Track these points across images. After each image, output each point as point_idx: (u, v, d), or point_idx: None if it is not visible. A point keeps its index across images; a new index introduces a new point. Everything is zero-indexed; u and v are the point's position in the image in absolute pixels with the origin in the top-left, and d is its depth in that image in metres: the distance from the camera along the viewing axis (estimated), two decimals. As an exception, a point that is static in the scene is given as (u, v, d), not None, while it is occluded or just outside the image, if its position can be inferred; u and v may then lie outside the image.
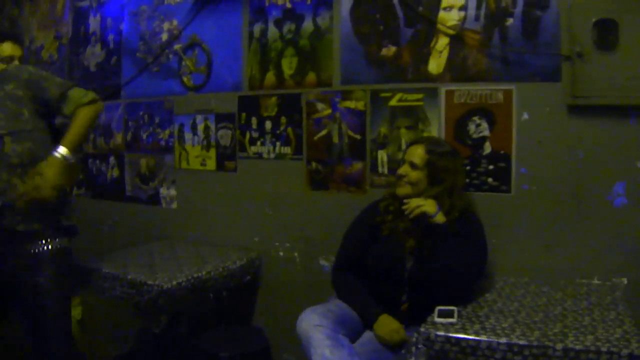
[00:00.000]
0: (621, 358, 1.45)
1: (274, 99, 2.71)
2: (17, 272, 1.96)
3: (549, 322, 1.68)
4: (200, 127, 2.95)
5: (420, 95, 2.37)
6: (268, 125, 2.73)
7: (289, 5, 2.66)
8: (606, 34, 2.03)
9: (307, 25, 2.61)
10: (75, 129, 1.97)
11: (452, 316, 1.71)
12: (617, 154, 2.09)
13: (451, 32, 2.30)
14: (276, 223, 2.78)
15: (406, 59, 2.39)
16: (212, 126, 2.91)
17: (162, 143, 3.10)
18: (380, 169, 2.47)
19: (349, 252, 2.19)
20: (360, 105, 2.48)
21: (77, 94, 2.03)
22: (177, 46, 3.04)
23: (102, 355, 2.89)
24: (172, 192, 3.10)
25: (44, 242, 1.98)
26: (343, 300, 2.12)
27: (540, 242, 2.22)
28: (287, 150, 2.69)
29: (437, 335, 1.62)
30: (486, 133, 2.27)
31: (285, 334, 2.67)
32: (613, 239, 2.12)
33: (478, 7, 2.25)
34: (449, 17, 2.30)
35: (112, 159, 3.35)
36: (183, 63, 3.01)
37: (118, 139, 3.30)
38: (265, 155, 2.76)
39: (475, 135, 2.28)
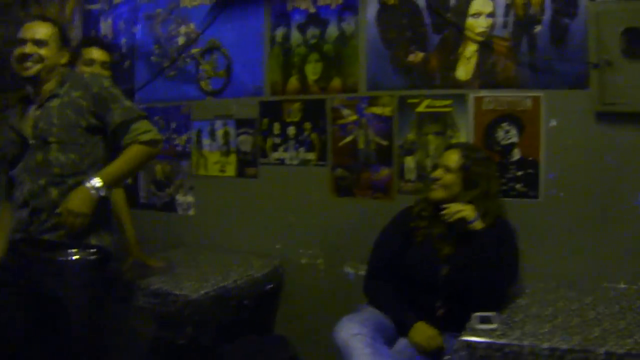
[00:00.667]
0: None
1: (297, 104, 2.83)
2: (41, 280, 2.03)
3: (587, 326, 1.81)
4: (220, 132, 3.06)
5: (448, 102, 2.50)
6: (291, 131, 2.85)
7: (312, 9, 2.78)
8: (634, 42, 2.17)
9: (332, 30, 2.73)
10: (120, 163, 2.05)
11: (492, 322, 1.83)
12: (644, 160, 2.23)
13: (479, 38, 2.43)
14: (299, 230, 2.89)
15: (434, 65, 2.53)
16: (232, 132, 3.03)
17: (179, 149, 3.22)
18: (407, 176, 2.60)
19: (382, 259, 2.31)
20: (387, 111, 2.61)
21: (140, 127, 2.07)
22: (194, 50, 3.16)
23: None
24: (189, 198, 3.22)
25: (69, 252, 2.03)
26: (376, 307, 2.22)
27: (568, 248, 2.35)
28: (311, 156, 2.81)
29: (479, 342, 1.74)
30: (515, 139, 2.40)
31: (310, 343, 2.79)
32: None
33: (506, 14, 2.39)
34: (477, 24, 2.44)
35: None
36: (201, 67, 3.13)
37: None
38: (288, 161, 2.88)
39: (503, 142, 2.42)
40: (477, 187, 2.16)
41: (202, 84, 3.12)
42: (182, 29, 3.22)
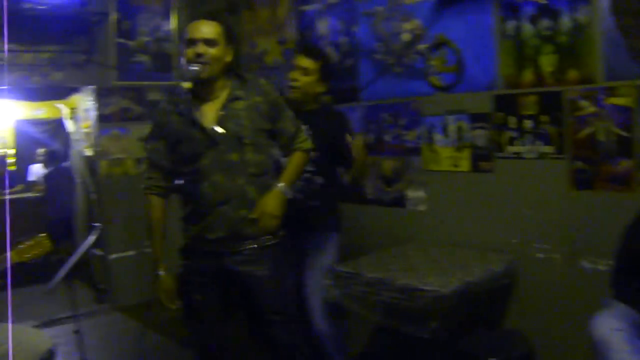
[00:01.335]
0: None
1: (532, 97, 3.50)
2: (239, 267, 2.83)
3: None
4: (452, 127, 3.84)
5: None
6: (527, 124, 3.53)
7: (543, 1, 3.44)
8: None
9: (565, 21, 3.36)
10: (294, 168, 2.99)
11: None
12: None
13: None
14: (535, 224, 3.55)
15: (677, 52, 3.05)
16: (466, 126, 3.79)
17: (408, 144, 4.06)
18: (650, 168, 3.14)
19: (633, 253, 2.79)
20: (626, 101, 3.18)
21: (302, 136, 3.02)
22: (421, 46, 3.97)
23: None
24: (420, 194, 4.04)
25: (264, 239, 2.86)
26: (626, 303, 2.67)
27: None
28: (548, 149, 3.46)
29: None
30: None
31: (545, 338, 3.43)
32: None
33: None
34: None
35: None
36: (429, 63, 3.93)
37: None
38: (524, 155, 3.55)
39: None
40: None
41: (432, 79, 3.92)
42: (406, 26, 4.05)
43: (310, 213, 3.47)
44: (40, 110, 10.68)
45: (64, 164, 8.86)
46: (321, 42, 4.63)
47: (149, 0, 6.32)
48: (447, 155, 3.90)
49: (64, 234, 7.31)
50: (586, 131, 3.33)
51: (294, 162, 3.00)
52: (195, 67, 2.74)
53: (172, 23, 6.43)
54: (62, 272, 4.18)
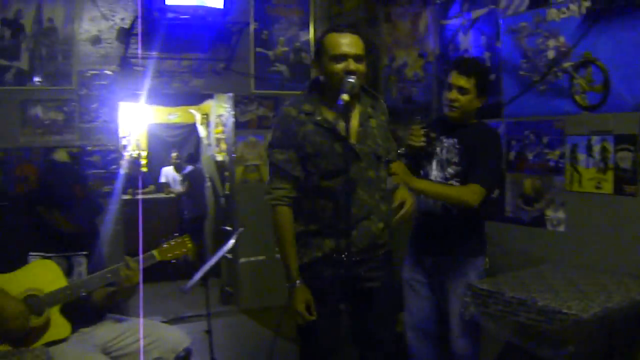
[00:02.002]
0: None
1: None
2: (372, 273, 3.08)
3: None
4: (596, 148, 3.87)
5: None
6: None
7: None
8: None
9: None
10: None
11: None
12: None
13: None
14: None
15: None
16: (611, 147, 3.82)
17: (551, 164, 4.12)
18: None
19: None
20: None
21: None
22: (566, 64, 4.02)
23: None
24: (560, 214, 4.08)
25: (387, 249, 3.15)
26: None
27: None
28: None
29: None
30: None
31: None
32: None
33: None
34: None
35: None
36: (575, 81, 3.97)
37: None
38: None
39: None
40: None
41: (577, 98, 3.97)
42: (551, 42, 4.12)
43: (454, 234, 3.52)
44: (173, 115, 11.29)
45: (199, 166, 9.32)
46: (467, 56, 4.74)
47: (287, 11, 6.66)
48: (590, 177, 3.93)
49: (194, 235, 7.70)
50: None
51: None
52: (351, 80, 2.82)
53: (310, 34, 6.72)
54: (200, 273, 4.45)
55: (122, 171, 6.13)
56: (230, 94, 6.68)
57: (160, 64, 6.24)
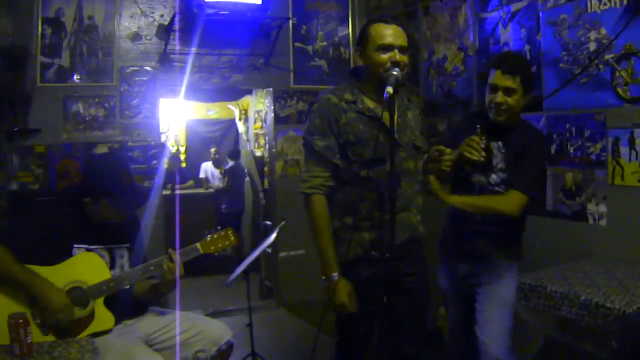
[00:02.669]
0: None
1: None
2: (409, 267, 3.13)
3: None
4: (639, 141, 3.87)
5: None
6: None
7: None
8: None
9: None
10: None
11: None
12: None
13: None
14: None
15: None
16: (654, 141, 3.83)
17: (593, 157, 4.14)
18: None
19: None
20: None
21: None
22: (608, 56, 4.03)
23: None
24: (602, 208, 4.10)
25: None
26: None
27: None
28: None
29: None
30: None
31: None
32: None
33: None
34: None
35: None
36: (617, 74, 3.98)
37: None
38: None
39: None
40: None
41: (619, 90, 3.98)
42: (592, 35, 4.13)
43: (492, 239, 3.45)
44: (212, 110, 11.45)
45: (240, 162, 9.45)
46: (506, 50, 4.77)
47: (326, 6, 6.73)
48: (632, 170, 3.94)
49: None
50: None
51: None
52: (395, 72, 2.82)
53: (349, 28, 6.79)
54: (242, 267, 4.56)
55: (163, 166, 6.28)
56: (270, 89, 6.79)
57: (199, 59, 6.37)
